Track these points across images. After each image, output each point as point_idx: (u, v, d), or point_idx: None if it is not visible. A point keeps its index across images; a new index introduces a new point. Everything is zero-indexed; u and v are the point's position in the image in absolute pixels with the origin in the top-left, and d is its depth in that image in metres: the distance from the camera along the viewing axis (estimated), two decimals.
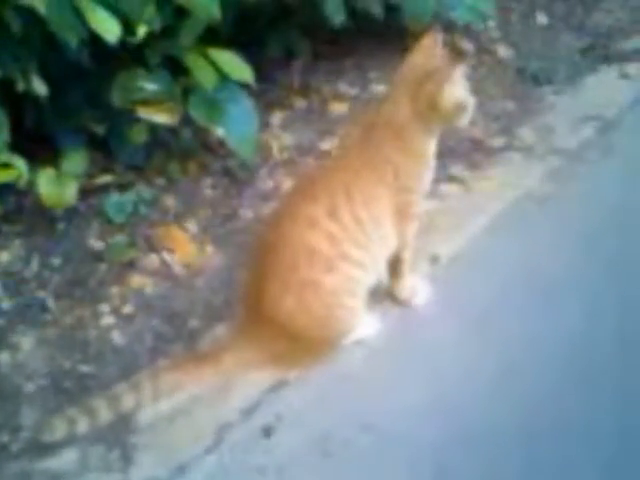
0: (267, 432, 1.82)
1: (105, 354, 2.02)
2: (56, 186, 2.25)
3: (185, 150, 2.57)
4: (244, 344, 1.93)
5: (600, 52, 3.25)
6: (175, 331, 2.08)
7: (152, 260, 2.27)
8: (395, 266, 2.11)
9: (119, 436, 1.81)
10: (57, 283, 2.20)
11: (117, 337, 2.06)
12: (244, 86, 2.37)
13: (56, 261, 2.26)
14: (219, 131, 2.43)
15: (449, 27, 3.13)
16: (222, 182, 2.55)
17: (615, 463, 1.77)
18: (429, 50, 2.00)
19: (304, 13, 2.76)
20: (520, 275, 2.23)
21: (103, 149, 2.47)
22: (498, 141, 2.77)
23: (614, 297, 2.16)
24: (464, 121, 2.02)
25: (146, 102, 2.34)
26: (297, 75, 2.97)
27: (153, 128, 2.40)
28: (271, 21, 2.74)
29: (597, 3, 3.59)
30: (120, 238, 2.33)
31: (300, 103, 2.91)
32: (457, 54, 2.91)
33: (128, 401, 1.83)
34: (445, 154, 2.37)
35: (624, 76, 3.12)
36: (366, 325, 2.05)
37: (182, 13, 2.22)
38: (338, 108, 2.89)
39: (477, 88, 2.83)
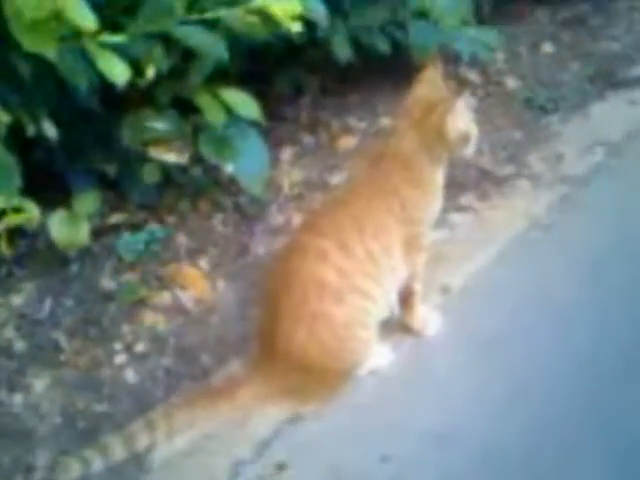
0: (281, 467, 1.81)
1: (119, 393, 2.02)
2: (68, 227, 2.28)
3: (196, 188, 2.60)
4: (258, 379, 1.93)
5: (607, 79, 3.26)
6: (188, 368, 2.08)
7: (164, 297, 2.28)
8: (406, 297, 2.12)
9: (134, 475, 1.81)
10: (70, 323, 2.21)
11: (130, 375, 2.07)
12: (253, 123, 2.40)
13: (69, 302, 2.28)
14: (229, 168, 2.46)
15: (456, 59, 3.16)
16: (233, 218, 2.56)
17: None
18: (432, 81, 2.03)
19: (311, 50, 2.79)
20: (530, 304, 2.22)
21: (114, 189, 2.50)
22: (506, 170, 2.77)
23: (623, 324, 2.15)
24: (469, 150, 2.04)
25: (156, 141, 2.37)
26: (305, 111, 2.99)
27: (164, 167, 2.42)
28: (279, 59, 2.77)
29: (603, 31, 3.61)
30: (132, 277, 2.34)
31: (309, 139, 2.93)
32: (461, 84, 2.93)
33: (142, 440, 1.83)
34: (454, 184, 2.38)
35: (631, 102, 3.13)
36: (379, 356, 2.05)
37: (190, 54, 2.25)
38: (347, 143, 2.91)
39: (485, 118, 2.89)
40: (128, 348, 2.14)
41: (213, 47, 2.16)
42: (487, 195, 2.67)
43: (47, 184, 2.30)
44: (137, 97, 2.32)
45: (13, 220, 2.09)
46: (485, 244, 2.46)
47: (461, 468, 1.80)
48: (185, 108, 2.40)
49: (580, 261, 2.37)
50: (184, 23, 2.10)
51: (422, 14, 2.97)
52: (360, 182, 2.08)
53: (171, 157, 2.38)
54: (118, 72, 1.97)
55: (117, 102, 2.30)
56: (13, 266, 2.36)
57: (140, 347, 2.15)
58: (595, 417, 1.91)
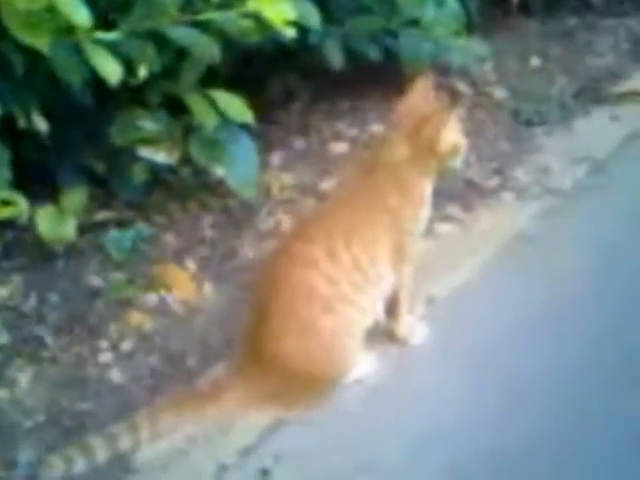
0: (265, 473, 1.81)
1: (103, 392, 2.01)
2: (56, 222, 2.28)
3: (185, 189, 2.60)
4: (243, 384, 1.93)
5: (592, 95, 3.30)
6: (173, 369, 2.08)
7: (151, 297, 2.28)
8: (392, 306, 2.13)
9: (116, 476, 1.80)
10: (56, 319, 2.20)
11: (115, 375, 2.06)
12: (244, 126, 2.40)
13: (55, 297, 2.27)
14: (219, 171, 2.47)
15: (446, 70, 3.19)
16: (222, 221, 2.57)
17: None
18: (422, 93, 2.04)
19: (304, 56, 2.80)
20: (515, 314, 2.24)
21: (103, 186, 2.49)
22: (493, 182, 2.80)
23: (612, 335, 2.17)
24: (458, 163, 2.06)
25: (146, 141, 2.37)
26: (297, 116, 3.01)
27: (153, 166, 2.43)
28: (271, 63, 2.78)
29: (590, 46, 3.67)
30: (119, 275, 2.34)
31: (299, 143, 2.94)
32: (453, 96, 2.95)
33: (125, 441, 1.82)
34: (441, 194, 2.39)
35: (615, 118, 3.17)
36: (364, 364, 2.05)
37: (183, 54, 2.25)
38: (337, 148, 2.92)
39: (473, 129, 2.91)
40: (113, 347, 2.14)
41: (205, 48, 2.16)
42: (473, 206, 2.69)
43: (36, 178, 2.29)
44: (128, 95, 2.32)
45: (2, 213, 2.09)
46: (470, 255, 2.47)
47: (446, 476, 1.82)
48: (176, 109, 2.39)
49: (566, 273, 2.39)
50: (177, 23, 2.10)
51: (413, 24, 2.99)
52: (350, 191, 2.09)
53: (160, 157, 2.39)
54: (111, 70, 1.97)
55: (108, 99, 2.29)
56: (0, 258, 2.35)
57: (125, 346, 2.14)
58: (587, 427, 1.93)
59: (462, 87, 3.22)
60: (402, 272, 2.08)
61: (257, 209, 2.61)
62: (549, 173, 2.85)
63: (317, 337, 1.92)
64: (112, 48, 1.98)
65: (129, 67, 2.05)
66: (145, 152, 2.37)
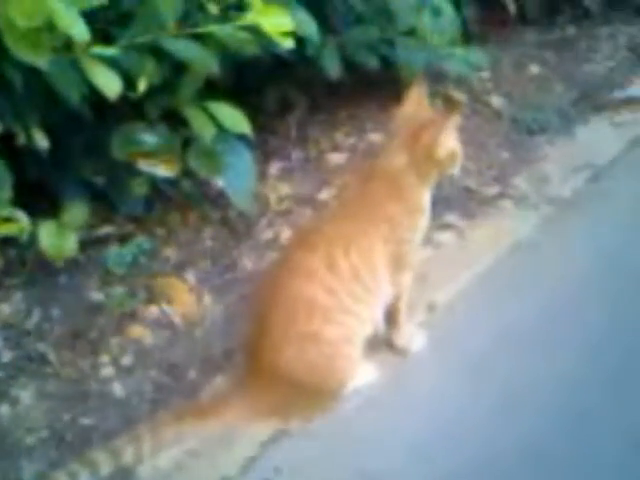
0: None
1: (105, 406, 2.02)
2: (57, 238, 2.27)
3: (185, 201, 2.60)
4: (244, 396, 1.93)
5: (591, 102, 3.30)
6: (175, 382, 2.09)
7: (151, 311, 2.29)
8: (392, 315, 2.13)
9: None
10: (57, 335, 2.21)
11: (117, 389, 2.07)
12: (242, 137, 2.41)
13: (56, 313, 2.28)
14: (218, 182, 2.47)
15: (442, 78, 3.19)
16: (222, 232, 2.57)
17: None
18: (417, 100, 2.05)
19: (301, 66, 2.81)
20: (515, 322, 2.25)
21: (103, 201, 2.49)
22: (492, 190, 2.80)
23: (611, 342, 2.18)
24: (455, 170, 2.07)
25: (146, 154, 2.37)
26: (294, 126, 3.01)
27: (153, 180, 2.43)
28: (269, 74, 2.78)
29: (587, 54, 3.67)
30: (120, 289, 2.34)
31: (298, 154, 2.95)
32: (449, 104, 2.96)
33: (128, 455, 1.83)
34: (440, 202, 2.40)
35: (615, 125, 3.18)
36: (364, 373, 2.06)
37: (181, 67, 2.26)
38: (335, 158, 2.93)
39: (471, 138, 2.92)
40: (115, 361, 2.14)
41: (204, 61, 2.17)
42: (472, 214, 2.69)
43: (36, 194, 2.29)
44: (127, 109, 2.32)
45: (3, 230, 2.09)
46: (469, 263, 2.48)
47: None
48: (175, 121, 2.40)
49: (564, 281, 2.40)
50: (175, 37, 2.11)
51: (410, 33, 3.00)
52: (349, 201, 2.10)
53: (160, 170, 2.38)
54: (110, 85, 1.97)
55: (107, 114, 2.30)
56: (1, 275, 2.35)
57: (127, 360, 2.15)
58: (584, 435, 1.93)
59: (460, 96, 3.22)
60: (400, 281, 2.09)
61: (256, 220, 2.61)
62: (548, 181, 2.85)
63: (317, 348, 1.92)
64: (111, 63, 1.98)
65: (128, 81, 2.05)
66: (145, 165, 2.36)
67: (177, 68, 2.26)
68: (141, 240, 2.47)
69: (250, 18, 2.07)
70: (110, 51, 1.98)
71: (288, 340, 1.91)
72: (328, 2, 2.76)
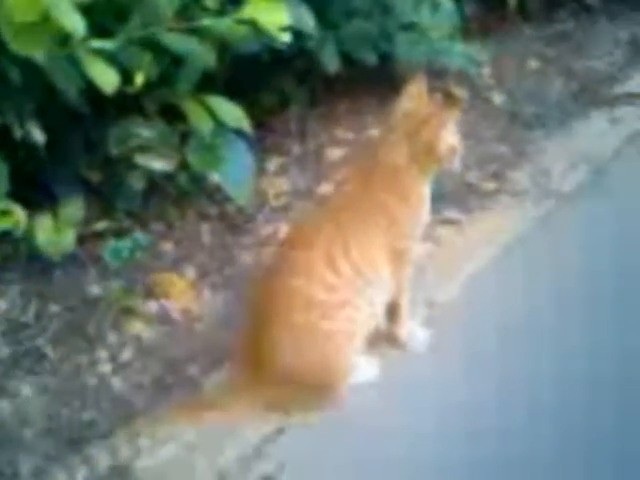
0: None
1: (103, 401, 2.01)
2: (53, 233, 2.26)
3: (182, 196, 2.59)
4: (243, 391, 1.93)
5: (591, 97, 3.30)
6: (173, 377, 2.07)
7: (150, 306, 2.27)
8: (392, 310, 2.12)
9: None
10: (55, 330, 2.20)
11: (116, 384, 2.06)
12: (240, 132, 2.40)
13: (54, 308, 2.26)
14: (216, 177, 2.46)
15: (442, 73, 3.18)
16: (219, 227, 2.56)
17: None
18: (416, 95, 2.03)
19: (300, 61, 2.80)
20: (516, 317, 2.24)
21: (100, 195, 2.48)
22: (492, 185, 2.80)
23: (613, 338, 2.17)
24: (455, 164, 2.06)
25: (143, 149, 2.36)
26: (293, 121, 3.00)
27: (150, 174, 2.42)
28: (267, 68, 2.77)
29: (587, 49, 3.66)
30: (117, 284, 2.33)
31: (296, 148, 2.94)
32: (448, 99, 2.95)
33: (126, 450, 1.83)
34: (439, 198, 2.39)
35: (614, 120, 3.17)
36: (365, 369, 2.05)
37: (179, 61, 2.25)
38: (334, 153, 2.92)
39: (471, 132, 2.91)
40: (113, 356, 2.13)
41: (201, 55, 2.16)
42: (472, 209, 2.69)
43: (33, 189, 2.28)
44: (125, 104, 2.31)
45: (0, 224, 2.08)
46: (469, 258, 2.47)
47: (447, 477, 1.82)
48: (172, 116, 2.39)
49: (564, 275, 2.39)
50: (173, 31, 2.10)
51: (409, 27, 2.99)
52: (348, 196, 2.08)
53: (157, 164, 2.38)
54: (107, 79, 1.96)
55: (104, 108, 2.28)
56: None
57: (125, 355, 2.14)
58: (586, 432, 1.93)
59: (459, 91, 3.21)
60: (401, 276, 2.08)
61: (254, 215, 2.60)
62: (548, 176, 2.84)
63: (316, 342, 1.91)
64: (108, 57, 1.98)
65: (125, 75, 2.04)
66: (142, 160, 2.35)
67: (174, 62, 2.24)
68: (138, 235, 2.46)
69: (247, 12, 2.06)
70: (107, 45, 1.97)
71: (286, 336, 1.90)
72: None
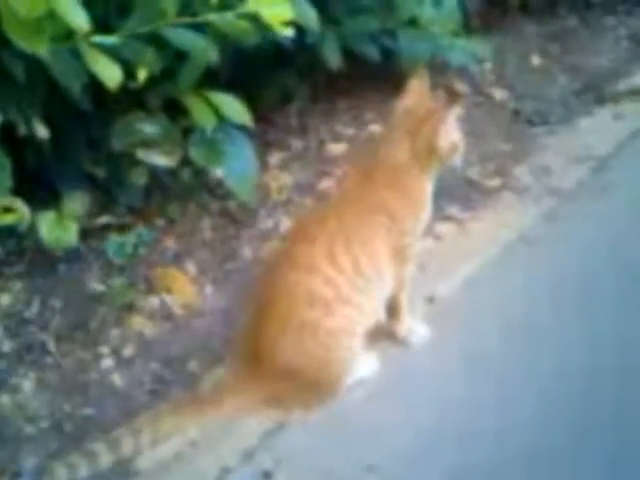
0: (267, 476, 1.82)
1: (105, 397, 2.02)
2: (57, 228, 2.27)
3: (184, 191, 2.60)
4: (244, 386, 1.94)
5: (593, 93, 3.29)
6: (175, 373, 2.08)
7: (152, 302, 2.28)
8: (393, 307, 2.13)
9: None
10: (58, 325, 2.21)
11: (117, 380, 2.07)
12: (242, 127, 2.40)
13: (57, 303, 2.27)
14: (218, 172, 2.47)
15: (444, 69, 3.18)
16: (221, 223, 2.57)
17: None
18: (419, 91, 2.04)
19: (301, 56, 2.79)
20: (517, 314, 2.25)
21: (103, 191, 2.48)
22: (494, 181, 2.80)
23: (614, 335, 2.17)
24: (457, 161, 2.06)
25: (146, 144, 2.36)
26: (295, 116, 3.00)
27: (153, 170, 2.42)
28: (269, 64, 2.77)
29: (590, 45, 3.65)
30: (120, 279, 2.34)
31: (298, 144, 2.94)
32: (451, 95, 2.95)
33: (128, 445, 1.83)
34: (441, 194, 2.38)
35: (617, 116, 3.17)
36: (365, 365, 2.06)
37: (181, 56, 2.25)
38: (335, 148, 2.92)
39: (473, 129, 2.90)
40: (115, 352, 2.14)
41: (204, 50, 2.16)
42: (473, 206, 2.69)
43: (37, 184, 2.29)
44: (128, 99, 2.31)
45: (4, 220, 2.09)
46: (471, 255, 2.47)
47: (447, 477, 1.82)
48: (175, 111, 2.39)
49: (566, 273, 2.40)
50: (175, 26, 2.10)
51: (412, 23, 2.99)
52: (350, 192, 2.09)
53: (160, 160, 2.38)
54: (110, 74, 1.96)
55: (107, 104, 2.29)
56: (1, 265, 2.35)
57: (127, 351, 2.15)
58: (587, 426, 1.93)
59: (461, 87, 3.21)
60: (402, 273, 2.08)
61: (256, 210, 2.61)
62: (550, 173, 2.84)
63: (316, 338, 1.92)
64: (111, 52, 1.98)
65: (128, 71, 2.04)
66: (145, 155, 2.36)
67: (177, 57, 2.24)
68: (141, 230, 2.47)
69: (250, 7, 2.06)
70: (110, 40, 1.97)
71: (287, 331, 1.91)
72: None
